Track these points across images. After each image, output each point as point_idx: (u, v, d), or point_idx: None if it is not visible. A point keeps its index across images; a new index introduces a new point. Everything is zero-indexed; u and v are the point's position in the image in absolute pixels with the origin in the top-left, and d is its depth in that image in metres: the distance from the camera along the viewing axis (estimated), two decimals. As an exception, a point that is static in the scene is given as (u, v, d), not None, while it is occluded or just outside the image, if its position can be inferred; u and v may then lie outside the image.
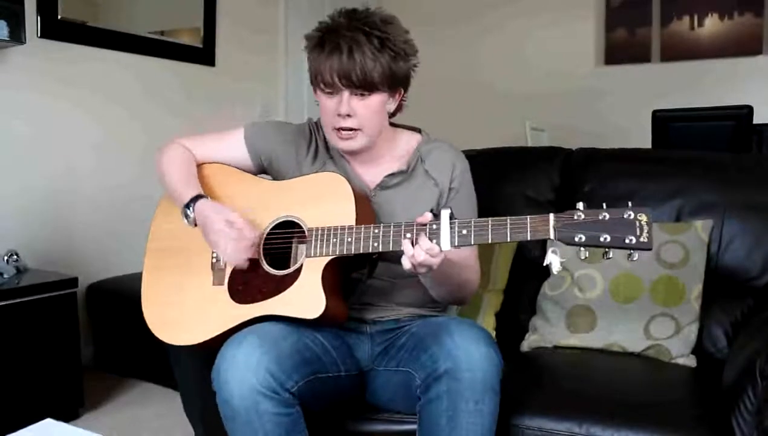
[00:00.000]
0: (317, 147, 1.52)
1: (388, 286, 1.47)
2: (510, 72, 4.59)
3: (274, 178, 1.55)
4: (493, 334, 1.84)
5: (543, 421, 1.41)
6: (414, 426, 1.32)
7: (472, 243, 1.21)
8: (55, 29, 2.76)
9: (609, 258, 1.16)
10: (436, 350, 1.26)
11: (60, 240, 2.80)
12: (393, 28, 1.37)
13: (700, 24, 4.21)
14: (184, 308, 1.42)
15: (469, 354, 1.23)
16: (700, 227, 1.80)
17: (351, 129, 1.39)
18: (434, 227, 1.23)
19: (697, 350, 1.73)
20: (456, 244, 1.22)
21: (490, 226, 1.20)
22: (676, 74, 4.21)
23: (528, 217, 1.19)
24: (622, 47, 4.41)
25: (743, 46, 4.09)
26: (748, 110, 3.08)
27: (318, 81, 1.38)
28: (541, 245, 1.95)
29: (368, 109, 1.38)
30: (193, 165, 1.52)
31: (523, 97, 4.45)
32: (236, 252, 1.35)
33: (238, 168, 1.54)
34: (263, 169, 1.56)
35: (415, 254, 1.22)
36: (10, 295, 2.15)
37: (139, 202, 3.02)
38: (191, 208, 1.41)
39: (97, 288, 2.87)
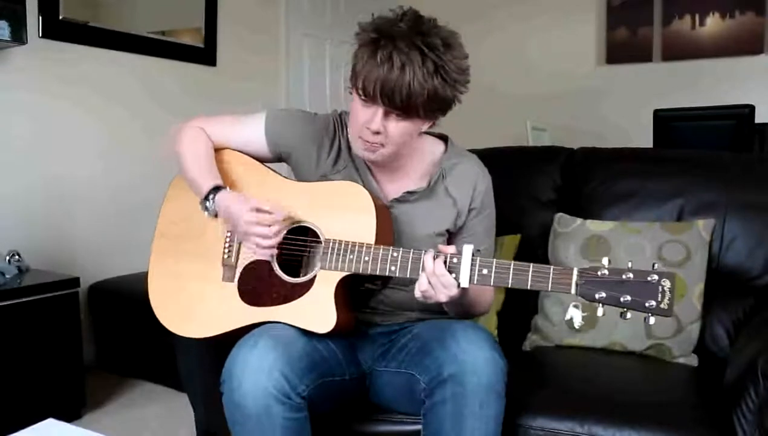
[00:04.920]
0: (340, 147, 1.46)
1: (396, 292, 1.46)
2: (511, 72, 4.59)
3: (292, 170, 1.51)
4: (495, 333, 1.84)
5: (545, 420, 1.41)
6: (417, 427, 1.32)
7: (491, 284, 1.21)
8: (57, 29, 2.76)
9: (626, 319, 1.15)
10: (440, 353, 1.26)
11: (61, 240, 2.81)
12: (452, 53, 1.27)
13: (702, 23, 4.21)
14: (191, 299, 1.41)
15: (474, 358, 1.23)
16: (702, 227, 1.80)
17: (375, 143, 1.32)
18: (455, 261, 1.21)
19: (699, 349, 1.73)
20: (475, 282, 1.21)
21: (511, 270, 1.19)
22: (678, 74, 4.21)
23: (551, 267, 1.17)
24: (623, 47, 4.41)
25: (744, 46, 4.08)
26: (750, 110, 3.08)
27: (357, 85, 1.29)
28: (545, 246, 1.95)
29: (399, 131, 1.31)
30: (211, 152, 1.46)
31: (525, 96, 4.45)
32: (267, 240, 1.31)
33: (253, 154, 1.48)
34: (280, 158, 1.50)
35: (432, 282, 1.22)
36: (12, 295, 2.15)
37: (140, 201, 3.03)
38: (211, 199, 1.37)
39: (99, 288, 2.87)
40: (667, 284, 1.12)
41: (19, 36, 2.40)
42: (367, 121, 1.30)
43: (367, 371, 1.46)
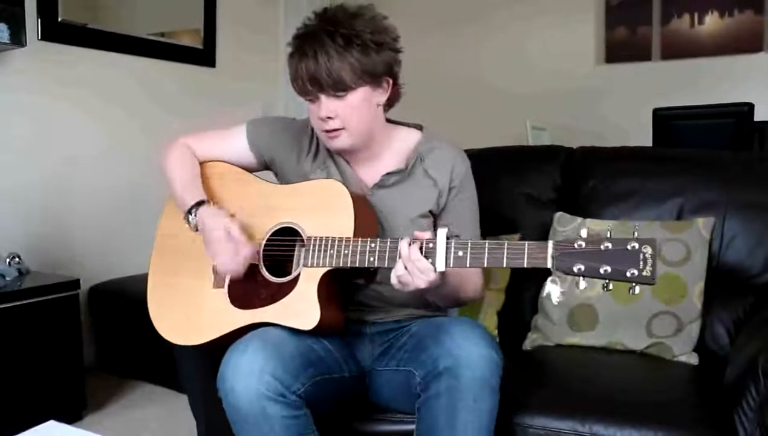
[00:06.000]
0: (318, 145, 1.51)
1: (388, 289, 1.45)
2: (511, 71, 4.59)
3: (277, 175, 1.56)
4: (495, 332, 1.84)
5: (546, 420, 1.41)
6: (416, 426, 1.32)
7: (467, 265, 1.19)
8: (56, 31, 2.76)
9: (609, 290, 1.11)
10: (435, 348, 1.27)
11: (62, 242, 2.81)
12: (360, 21, 1.33)
13: (701, 22, 4.21)
14: (186, 309, 1.44)
15: (469, 353, 1.23)
16: (702, 225, 1.80)
17: (335, 129, 1.37)
18: (430, 245, 1.21)
19: (699, 347, 1.73)
20: (451, 265, 1.20)
21: (486, 249, 1.18)
22: (677, 72, 4.21)
23: (526, 242, 1.15)
24: (623, 46, 4.41)
25: (744, 44, 4.08)
26: (749, 108, 3.08)
27: (295, 88, 1.38)
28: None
29: (348, 107, 1.35)
30: (196, 167, 1.52)
31: (524, 96, 4.44)
32: (231, 264, 1.36)
33: (241, 165, 1.54)
34: (266, 166, 1.56)
35: (408, 268, 1.21)
36: (13, 297, 2.15)
37: (140, 203, 3.03)
38: (193, 213, 1.42)
39: (99, 290, 2.87)
40: (648, 250, 1.07)
41: (18, 38, 2.40)
42: (316, 112, 1.36)
43: (366, 370, 1.46)
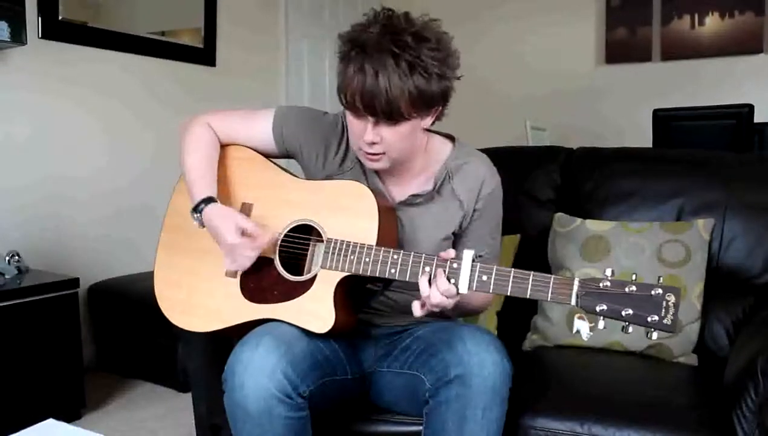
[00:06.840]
0: (347, 148, 1.44)
1: (400, 296, 1.45)
2: (511, 72, 4.59)
3: (301, 167, 1.51)
4: (495, 333, 1.84)
5: (545, 420, 1.41)
6: (417, 427, 1.31)
7: (490, 291, 1.19)
8: (56, 30, 2.76)
9: (628, 333, 1.14)
10: (447, 355, 1.26)
11: (61, 241, 2.81)
12: (427, 45, 1.23)
13: (701, 23, 4.21)
14: (194, 293, 1.41)
15: (481, 360, 1.23)
16: (702, 226, 1.80)
17: (377, 153, 1.31)
18: (455, 266, 1.20)
19: (699, 348, 1.73)
20: (474, 288, 1.20)
21: (511, 278, 1.17)
22: (677, 73, 4.22)
23: (552, 277, 1.15)
24: (623, 46, 4.41)
25: (744, 45, 4.09)
26: (749, 109, 3.09)
27: (342, 99, 1.28)
28: (545, 246, 1.95)
29: (396, 135, 1.27)
30: (214, 154, 1.45)
31: (524, 96, 4.45)
32: (245, 260, 1.33)
33: (261, 150, 1.48)
34: (288, 155, 1.50)
35: (431, 295, 1.21)
36: (12, 295, 2.15)
37: (140, 202, 3.04)
38: (199, 210, 1.36)
39: (99, 289, 2.87)
40: (671, 298, 1.09)
41: (18, 37, 2.40)
42: (361, 133, 1.28)
43: (368, 371, 1.46)
